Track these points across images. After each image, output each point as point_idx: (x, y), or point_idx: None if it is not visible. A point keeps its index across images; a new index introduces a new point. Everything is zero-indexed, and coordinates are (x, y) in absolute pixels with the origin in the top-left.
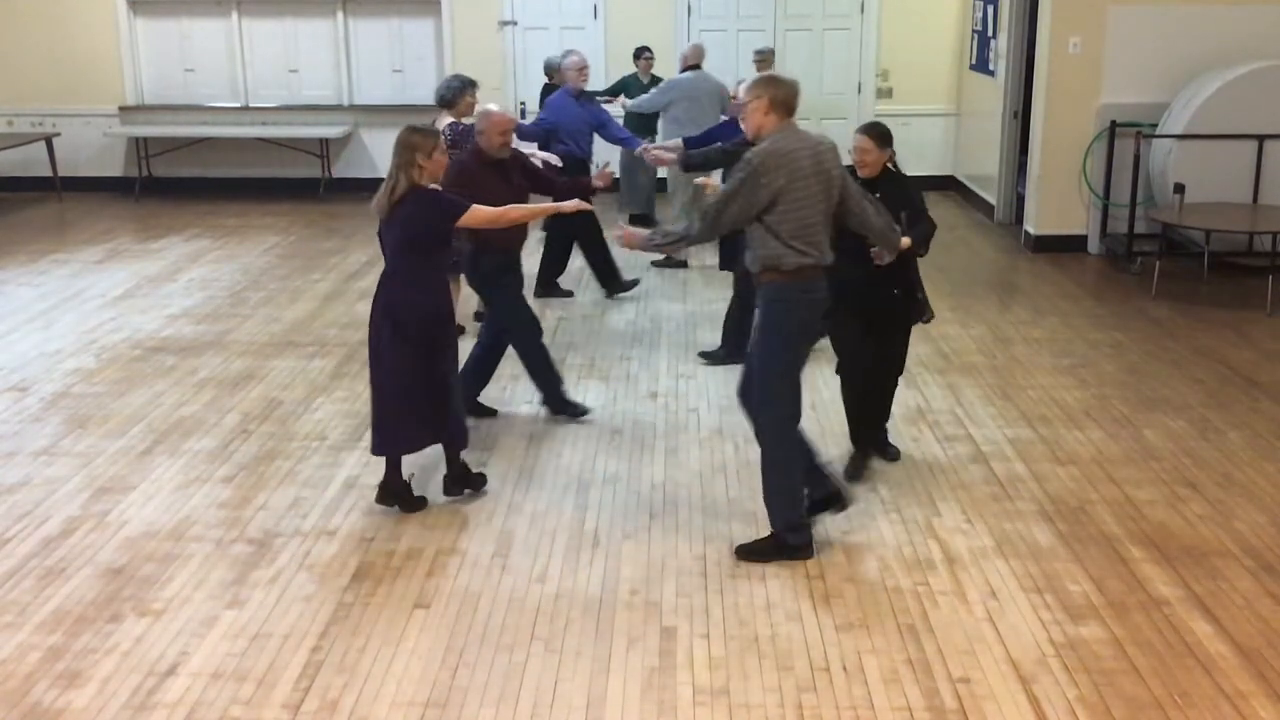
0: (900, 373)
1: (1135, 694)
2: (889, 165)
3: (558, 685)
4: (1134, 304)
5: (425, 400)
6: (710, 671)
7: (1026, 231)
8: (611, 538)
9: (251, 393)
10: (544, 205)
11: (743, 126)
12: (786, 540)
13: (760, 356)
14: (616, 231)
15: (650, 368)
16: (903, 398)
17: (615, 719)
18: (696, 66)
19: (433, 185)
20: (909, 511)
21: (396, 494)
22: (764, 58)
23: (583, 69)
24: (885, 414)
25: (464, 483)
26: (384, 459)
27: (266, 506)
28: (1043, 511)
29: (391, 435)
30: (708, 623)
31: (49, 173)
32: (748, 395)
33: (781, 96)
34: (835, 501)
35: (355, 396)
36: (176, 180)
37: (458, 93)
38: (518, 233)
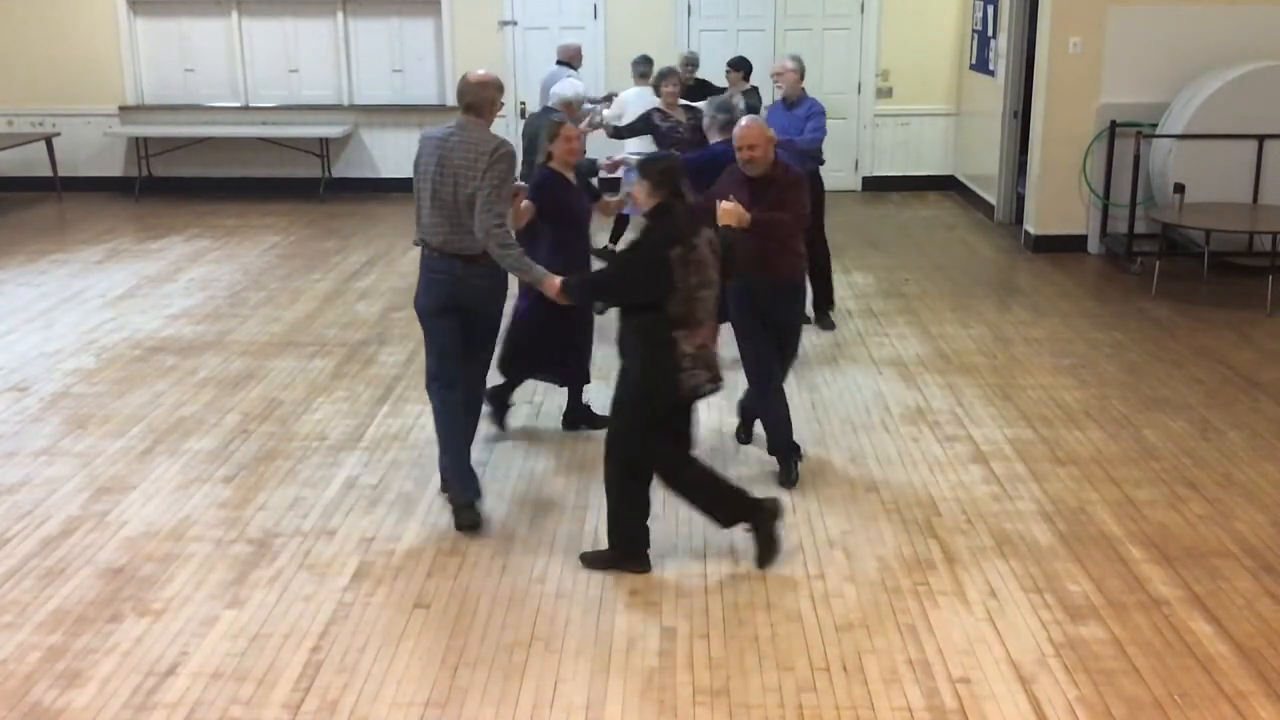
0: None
1: (1135, 694)
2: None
3: (558, 685)
4: (1134, 304)
5: (550, 343)
6: (710, 671)
7: (1026, 231)
8: None
9: (251, 393)
10: None
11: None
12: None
13: None
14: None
15: None
16: (902, 397)
17: (615, 719)
18: (566, 64)
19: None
20: (909, 511)
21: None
22: (645, 71)
23: (779, 74)
24: None
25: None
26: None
27: (266, 506)
28: (1043, 511)
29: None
30: (708, 623)
31: (49, 173)
32: None
33: (458, 90)
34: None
35: (355, 397)
36: (176, 180)
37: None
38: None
